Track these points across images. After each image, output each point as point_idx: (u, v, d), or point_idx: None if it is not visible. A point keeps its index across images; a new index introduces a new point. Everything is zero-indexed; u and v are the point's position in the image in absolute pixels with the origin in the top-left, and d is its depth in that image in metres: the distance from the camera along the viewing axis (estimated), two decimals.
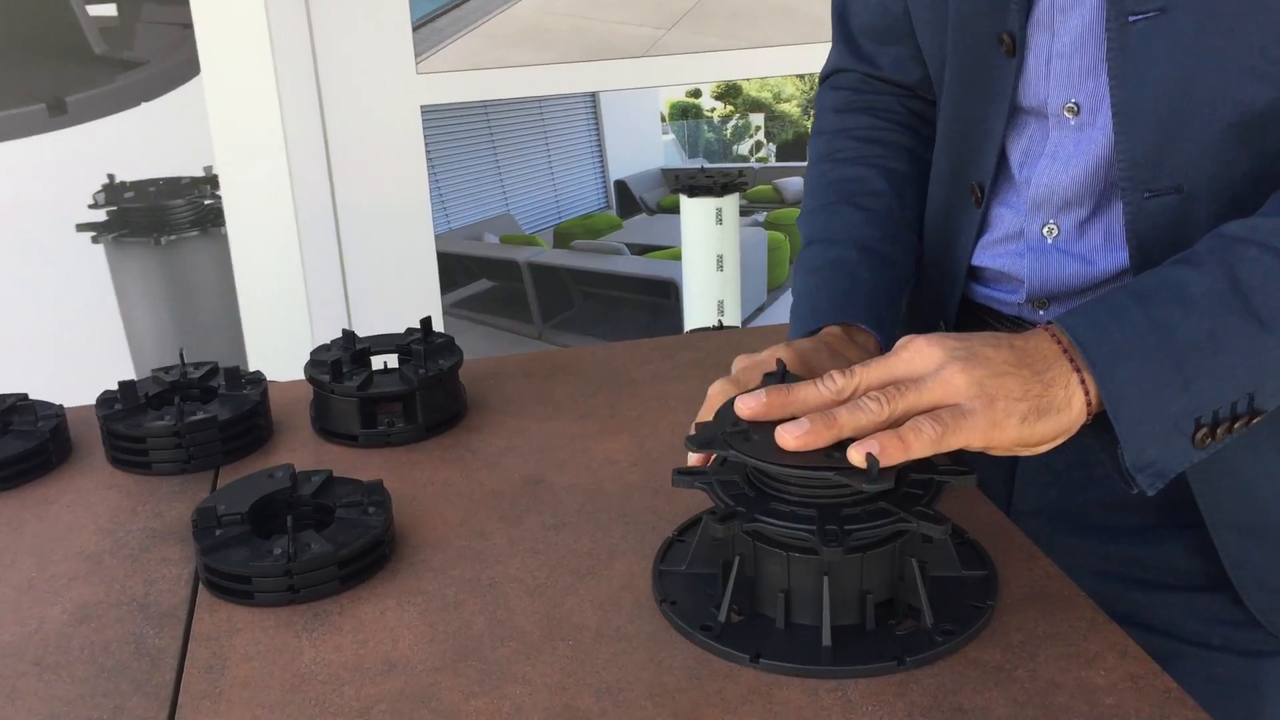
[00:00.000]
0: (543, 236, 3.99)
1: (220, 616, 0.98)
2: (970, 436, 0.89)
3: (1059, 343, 0.92)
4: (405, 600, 0.99)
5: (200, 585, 1.02)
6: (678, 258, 3.89)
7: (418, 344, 1.30)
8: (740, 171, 3.83)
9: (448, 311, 3.62)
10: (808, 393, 0.92)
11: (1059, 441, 0.93)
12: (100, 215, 3.68)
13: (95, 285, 3.78)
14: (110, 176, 3.68)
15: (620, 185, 4.19)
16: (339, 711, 0.87)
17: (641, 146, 4.05)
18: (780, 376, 0.97)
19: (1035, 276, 1.13)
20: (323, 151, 3.39)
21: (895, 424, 0.89)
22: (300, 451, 1.25)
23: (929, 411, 0.89)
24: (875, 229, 1.24)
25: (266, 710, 0.87)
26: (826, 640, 0.90)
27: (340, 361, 1.24)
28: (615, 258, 4.00)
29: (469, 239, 3.96)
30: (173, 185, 3.61)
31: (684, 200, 3.75)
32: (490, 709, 0.86)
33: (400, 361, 1.30)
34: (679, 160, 4.00)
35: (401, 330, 1.35)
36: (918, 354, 0.92)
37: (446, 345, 1.31)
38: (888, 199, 1.26)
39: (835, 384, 0.92)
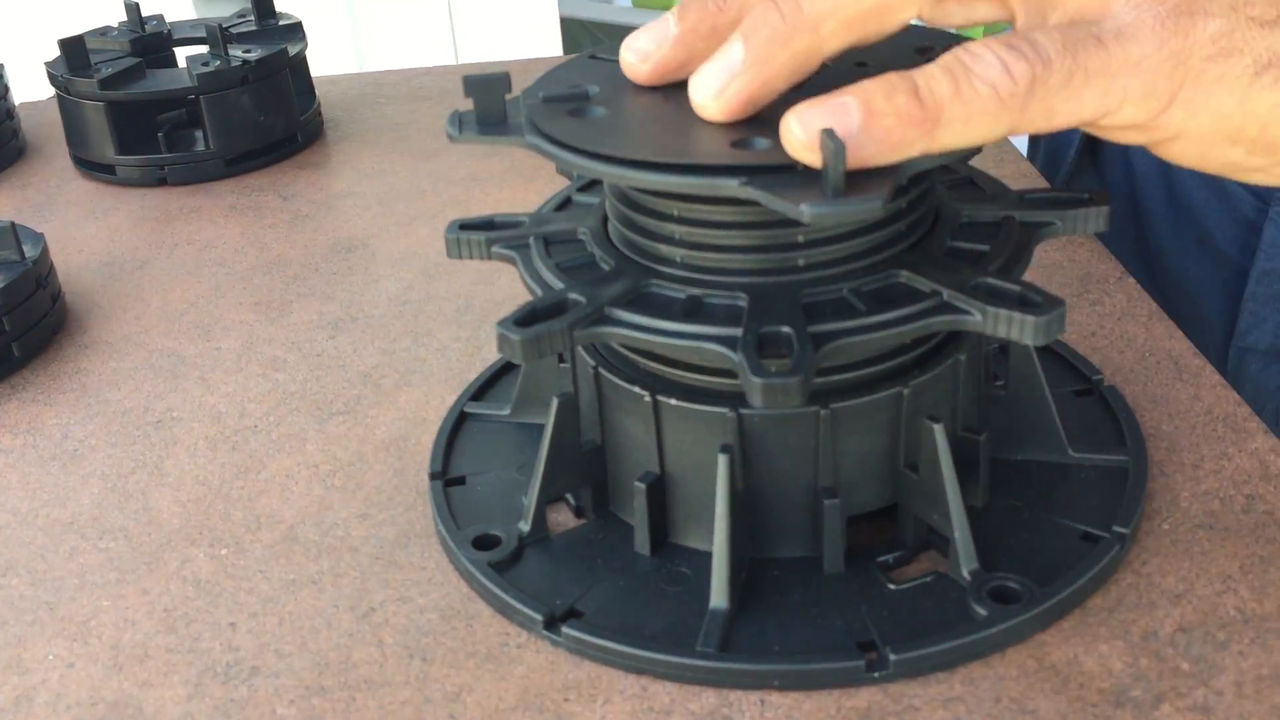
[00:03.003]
0: None
1: None
2: (1109, 93, 0.35)
3: None
4: None
5: None
6: None
7: (244, 27, 0.82)
8: None
9: None
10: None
11: None
12: None
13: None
14: None
15: None
16: None
17: None
18: None
19: None
20: None
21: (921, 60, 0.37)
22: (36, 188, 0.79)
23: (1009, 34, 0.36)
24: None
25: None
26: (719, 596, 0.40)
27: (80, 43, 0.76)
28: None
29: (597, 1, 3.38)
30: None
31: None
32: None
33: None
34: None
35: None
36: None
37: (288, 32, 0.82)
38: None
39: None
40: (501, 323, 0.38)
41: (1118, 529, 0.41)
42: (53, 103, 0.92)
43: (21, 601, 0.44)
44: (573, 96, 0.42)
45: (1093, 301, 0.57)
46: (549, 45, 3.08)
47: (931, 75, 0.35)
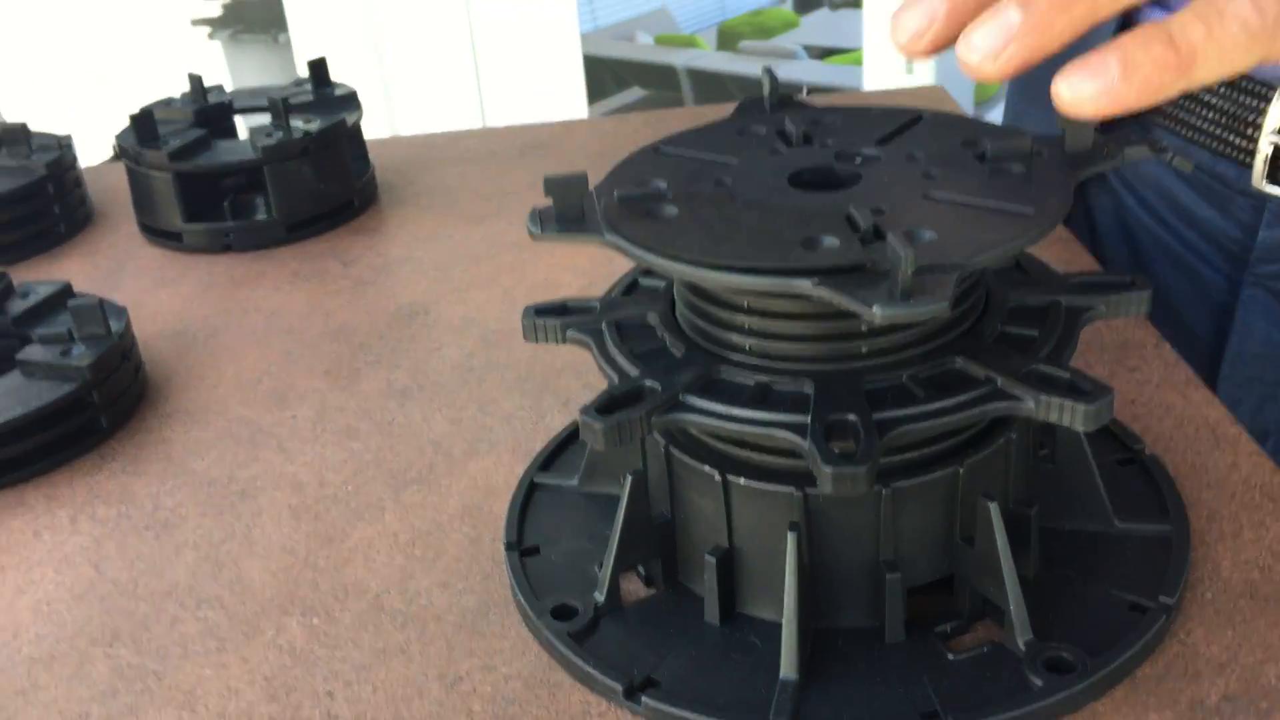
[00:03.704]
0: (704, 37, 3.43)
1: None
2: None
3: None
4: (90, 512, 0.57)
5: None
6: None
7: (301, 97, 0.85)
8: None
9: None
10: None
11: None
12: (215, 8, 3.36)
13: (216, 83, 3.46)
14: None
15: None
16: None
17: None
18: None
19: None
20: None
21: None
22: (105, 255, 0.82)
23: None
24: None
25: None
26: (789, 667, 0.43)
27: (149, 116, 0.80)
28: (790, 63, 3.39)
29: (619, 39, 3.45)
30: None
31: None
32: None
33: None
34: None
35: None
36: None
37: (344, 102, 0.85)
38: None
39: None
40: (584, 410, 0.41)
41: (1164, 599, 0.44)
42: (113, 166, 0.96)
43: (130, 671, 0.47)
44: (646, 196, 0.44)
45: (1131, 368, 0.59)
46: (572, 80, 3.11)
47: (1184, 22, 0.37)
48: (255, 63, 3.31)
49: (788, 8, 3.53)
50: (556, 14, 3.09)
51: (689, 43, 3.45)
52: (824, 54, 3.37)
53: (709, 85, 3.31)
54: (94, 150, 0.98)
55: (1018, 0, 0.38)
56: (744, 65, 3.30)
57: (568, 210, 0.44)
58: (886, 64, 3.18)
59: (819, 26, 3.44)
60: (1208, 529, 0.48)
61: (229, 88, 0.88)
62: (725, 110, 0.94)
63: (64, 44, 3.03)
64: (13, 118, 0.85)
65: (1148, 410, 0.56)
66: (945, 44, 0.42)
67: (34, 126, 0.85)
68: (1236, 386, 0.67)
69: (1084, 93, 0.37)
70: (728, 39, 3.47)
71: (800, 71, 3.26)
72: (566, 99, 3.12)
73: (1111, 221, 0.73)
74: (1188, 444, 0.53)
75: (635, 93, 3.34)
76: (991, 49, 0.39)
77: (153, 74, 3.35)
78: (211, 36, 3.32)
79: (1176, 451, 0.53)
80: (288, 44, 3.18)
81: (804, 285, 0.38)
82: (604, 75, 3.26)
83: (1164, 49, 0.37)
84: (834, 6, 3.44)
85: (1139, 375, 0.59)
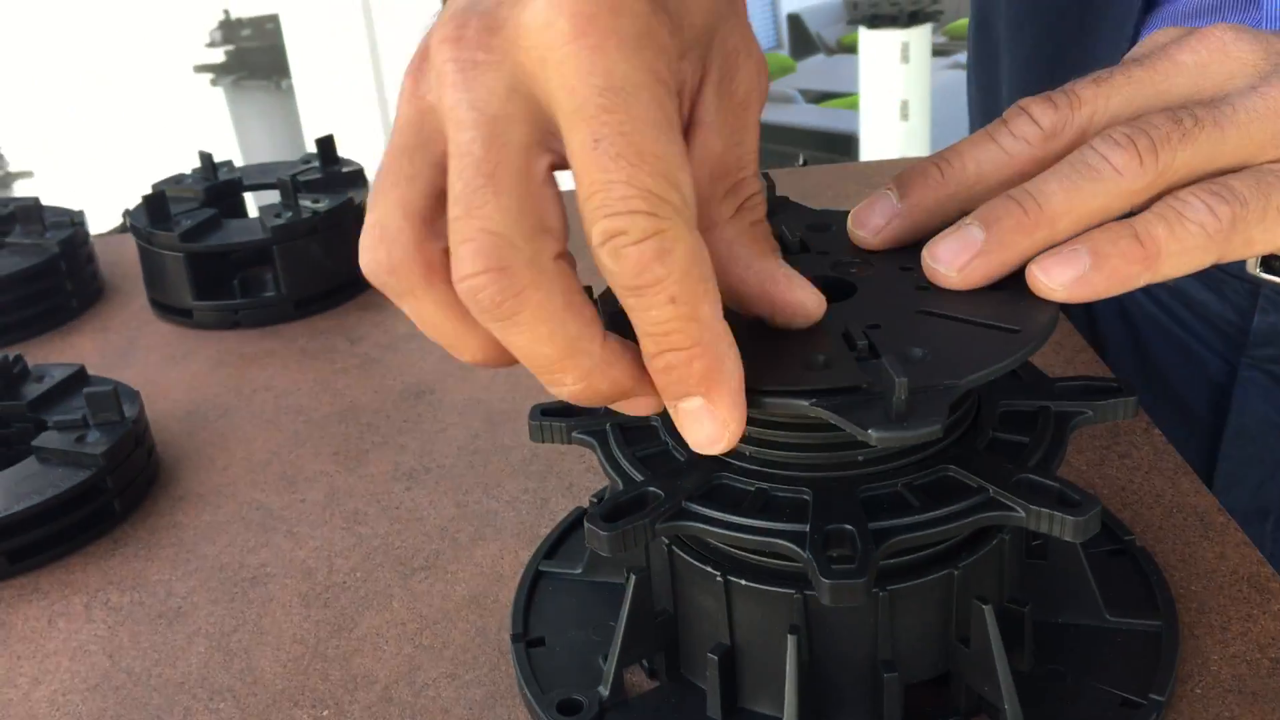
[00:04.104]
0: None
1: None
2: None
3: None
4: (103, 599, 0.58)
5: None
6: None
7: (309, 175, 0.87)
8: None
9: None
10: (980, 153, 0.45)
11: None
12: (218, 55, 3.39)
13: (218, 130, 3.50)
14: (225, 12, 3.38)
15: (794, 20, 3.58)
16: None
17: None
18: None
19: None
20: None
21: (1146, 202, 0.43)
22: (117, 331, 0.84)
23: (1209, 180, 0.43)
24: None
25: None
26: None
27: (161, 197, 0.81)
28: (786, 106, 3.43)
29: None
30: None
31: (863, 33, 3.14)
32: None
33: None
34: None
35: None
36: (1215, 54, 0.44)
37: (351, 179, 0.87)
38: None
39: (1037, 123, 0.44)
40: (590, 518, 0.42)
41: (1154, 696, 0.45)
42: (122, 237, 0.98)
43: None
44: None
45: (1121, 454, 0.60)
46: None
47: (1148, 221, 0.41)
48: (258, 109, 3.34)
49: (784, 53, 3.56)
50: None
51: None
52: (820, 98, 3.40)
53: None
54: (95, 164, 0.99)
55: (982, 219, 0.42)
56: None
57: None
58: (881, 109, 3.22)
59: (815, 71, 3.48)
60: (1197, 621, 0.50)
61: (232, 132, 0.90)
62: None
63: (68, 91, 3.06)
64: (12, 149, 0.87)
65: (1137, 498, 0.57)
66: (898, 243, 0.46)
67: (37, 168, 0.87)
68: (1237, 465, 0.68)
69: (1058, 280, 0.41)
70: None
71: (797, 115, 3.30)
72: None
73: (1109, 302, 0.75)
74: (1176, 534, 0.55)
75: None
76: (955, 263, 0.42)
77: (157, 121, 3.39)
78: (214, 83, 3.35)
79: (1166, 541, 0.54)
80: (290, 90, 3.21)
81: (801, 406, 0.40)
82: None
83: (1130, 243, 0.40)
84: (830, 52, 3.48)
85: (1129, 461, 0.60)
